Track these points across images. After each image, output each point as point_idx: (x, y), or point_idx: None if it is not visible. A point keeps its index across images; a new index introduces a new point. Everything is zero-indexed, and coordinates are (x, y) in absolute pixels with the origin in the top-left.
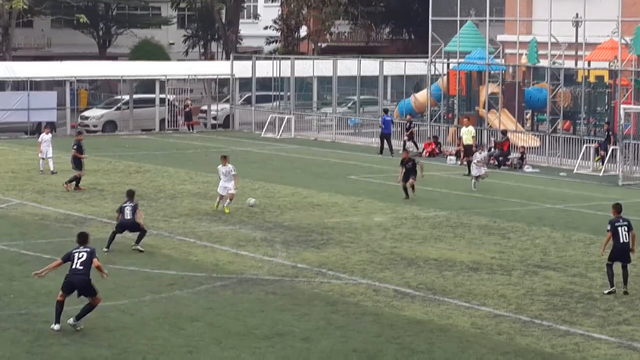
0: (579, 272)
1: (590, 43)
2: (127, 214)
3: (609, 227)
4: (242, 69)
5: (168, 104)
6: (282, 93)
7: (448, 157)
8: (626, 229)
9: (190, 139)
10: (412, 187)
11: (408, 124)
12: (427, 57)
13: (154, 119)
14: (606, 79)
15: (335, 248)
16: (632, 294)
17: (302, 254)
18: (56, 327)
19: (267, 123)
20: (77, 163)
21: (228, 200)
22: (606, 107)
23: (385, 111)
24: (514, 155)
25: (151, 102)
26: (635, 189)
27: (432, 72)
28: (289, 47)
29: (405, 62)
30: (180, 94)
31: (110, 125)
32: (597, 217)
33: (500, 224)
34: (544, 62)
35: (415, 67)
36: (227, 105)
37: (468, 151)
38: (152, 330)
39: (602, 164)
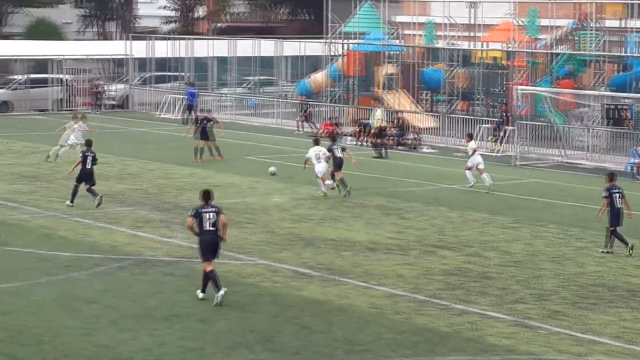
0: (475, 251)
1: (486, 24)
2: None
3: (605, 194)
4: (139, 49)
5: (65, 84)
6: (179, 73)
7: (346, 138)
8: (619, 195)
9: (88, 119)
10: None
11: (306, 105)
12: (325, 38)
13: (47, 99)
14: (502, 60)
15: (233, 229)
16: (526, 273)
17: None
18: (221, 292)
19: (164, 103)
20: None
21: None
22: (502, 87)
23: (191, 84)
24: (411, 136)
25: (45, 82)
26: (530, 169)
27: (330, 53)
28: (186, 27)
29: (303, 42)
30: (76, 74)
31: (4, 106)
32: (494, 197)
33: (398, 204)
34: (440, 43)
35: (313, 47)
36: (124, 86)
37: (379, 133)
38: (48, 313)
39: (499, 144)
